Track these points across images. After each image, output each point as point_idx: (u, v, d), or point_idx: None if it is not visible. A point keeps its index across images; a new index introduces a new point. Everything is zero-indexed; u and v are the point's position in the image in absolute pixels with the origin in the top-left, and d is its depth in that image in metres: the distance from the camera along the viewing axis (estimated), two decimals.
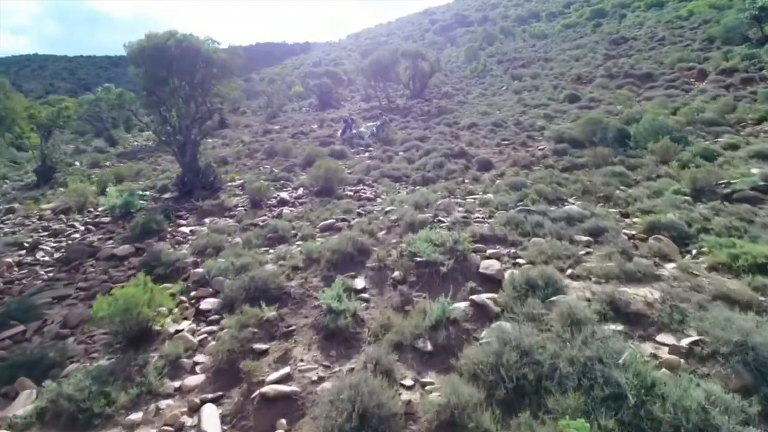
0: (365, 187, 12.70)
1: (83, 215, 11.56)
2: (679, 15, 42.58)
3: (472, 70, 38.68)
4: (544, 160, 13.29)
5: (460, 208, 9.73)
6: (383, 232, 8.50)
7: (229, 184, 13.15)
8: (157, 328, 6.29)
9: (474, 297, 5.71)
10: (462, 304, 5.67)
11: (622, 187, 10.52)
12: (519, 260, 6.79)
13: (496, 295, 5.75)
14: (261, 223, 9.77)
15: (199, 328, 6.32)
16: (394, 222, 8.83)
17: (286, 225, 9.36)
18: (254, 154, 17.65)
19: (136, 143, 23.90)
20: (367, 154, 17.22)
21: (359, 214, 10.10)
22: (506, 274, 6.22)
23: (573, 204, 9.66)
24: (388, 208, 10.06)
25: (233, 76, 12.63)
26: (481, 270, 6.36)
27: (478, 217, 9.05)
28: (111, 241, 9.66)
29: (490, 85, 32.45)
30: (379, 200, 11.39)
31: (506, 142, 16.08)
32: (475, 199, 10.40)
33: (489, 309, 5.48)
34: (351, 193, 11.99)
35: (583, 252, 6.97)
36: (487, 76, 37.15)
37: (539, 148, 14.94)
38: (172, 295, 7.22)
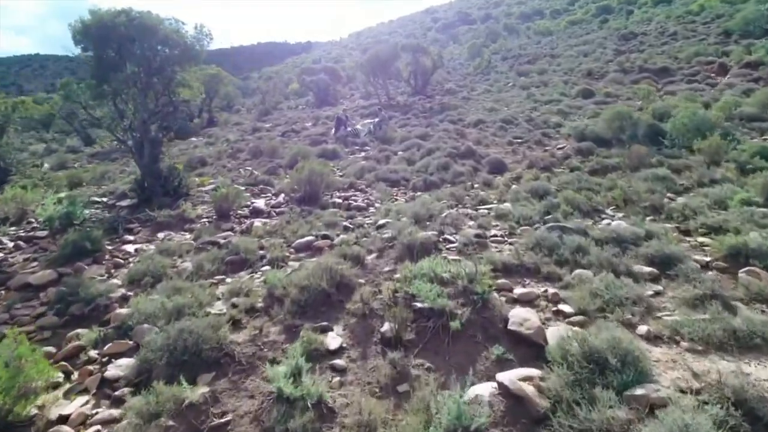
0: (357, 193, 10.57)
1: (20, 227, 9.46)
2: (690, 10, 40.53)
3: (476, 66, 36.48)
4: (568, 161, 11.12)
5: (472, 222, 7.59)
6: (373, 255, 6.37)
7: (200, 189, 11.04)
8: (34, 411, 4.18)
9: (504, 378, 3.55)
10: (485, 389, 3.53)
11: (669, 195, 8.35)
12: (563, 307, 4.63)
13: (538, 374, 3.60)
14: (222, 241, 7.61)
15: (96, 411, 4.18)
16: (387, 242, 6.69)
17: (253, 244, 7.22)
18: (238, 154, 15.53)
19: (114, 143, 21.80)
20: (362, 154, 15.08)
21: (346, 229, 7.97)
22: (550, 334, 4.07)
23: (614, 216, 7.50)
24: (381, 221, 7.95)
25: (199, 62, 10.50)
26: (511, 326, 4.20)
27: (495, 236, 6.89)
28: (36, 263, 7.55)
29: (496, 81, 30.26)
30: (372, 209, 9.25)
31: (519, 141, 13.91)
32: (489, 209, 8.24)
33: (531, 403, 3.34)
34: (339, 201, 9.84)
35: (650, 293, 4.82)
36: (491, 72, 34.97)
37: (558, 146, 12.78)
38: (80, 349, 5.13)
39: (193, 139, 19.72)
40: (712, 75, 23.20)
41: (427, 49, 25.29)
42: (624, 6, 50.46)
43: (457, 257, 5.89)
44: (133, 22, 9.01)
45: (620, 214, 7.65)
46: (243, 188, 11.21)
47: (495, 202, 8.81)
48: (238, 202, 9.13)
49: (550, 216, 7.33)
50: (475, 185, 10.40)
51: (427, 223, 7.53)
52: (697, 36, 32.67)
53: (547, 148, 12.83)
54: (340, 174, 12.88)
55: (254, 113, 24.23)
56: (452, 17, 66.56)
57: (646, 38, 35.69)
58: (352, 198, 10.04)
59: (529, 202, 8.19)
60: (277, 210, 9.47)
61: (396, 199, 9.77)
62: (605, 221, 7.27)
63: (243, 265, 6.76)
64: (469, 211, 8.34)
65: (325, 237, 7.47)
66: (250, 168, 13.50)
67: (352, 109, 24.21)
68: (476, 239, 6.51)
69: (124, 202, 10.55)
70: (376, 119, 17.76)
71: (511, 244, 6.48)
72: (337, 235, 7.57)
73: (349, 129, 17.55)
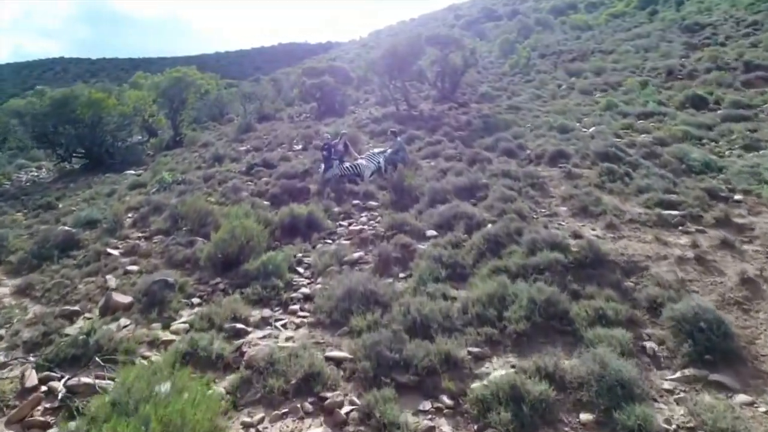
0: None
1: None
2: None
3: (512, 65, 28.48)
4: None
5: None
6: None
7: None
8: None
9: None
10: None
11: None
12: None
13: None
14: None
15: None
16: None
17: None
18: (147, 220, 8.28)
19: (22, 177, 14.35)
20: (363, 219, 7.75)
21: None
22: None
23: None
24: None
25: None
26: None
27: None
28: None
29: (543, 83, 22.37)
30: None
31: (677, 214, 6.22)
32: None
33: None
34: None
35: None
36: (531, 72, 27.01)
37: None
38: None
39: (131, 172, 12.61)
40: None
41: (460, 41, 17.53)
42: None
43: None
44: None
45: None
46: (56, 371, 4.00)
47: None
48: None
49: None
50: None
51: None
52: None
53: (760, 243, 5.19)
54: (305, 285, 5.61)
55: (233, 129, 17.01)
56: (476, 14, 58.17)
57: (720, 29, 27.46)
58: None
59: None
60: None
61: None
62: None
63: None
64: None
65: None
66: (134, 266, 6.26)
67: (363, 122, 16.76)
68: None
69: None
70: (388, 149, 10.27)
71: None
72: None
73: (346, 164, 10.14)
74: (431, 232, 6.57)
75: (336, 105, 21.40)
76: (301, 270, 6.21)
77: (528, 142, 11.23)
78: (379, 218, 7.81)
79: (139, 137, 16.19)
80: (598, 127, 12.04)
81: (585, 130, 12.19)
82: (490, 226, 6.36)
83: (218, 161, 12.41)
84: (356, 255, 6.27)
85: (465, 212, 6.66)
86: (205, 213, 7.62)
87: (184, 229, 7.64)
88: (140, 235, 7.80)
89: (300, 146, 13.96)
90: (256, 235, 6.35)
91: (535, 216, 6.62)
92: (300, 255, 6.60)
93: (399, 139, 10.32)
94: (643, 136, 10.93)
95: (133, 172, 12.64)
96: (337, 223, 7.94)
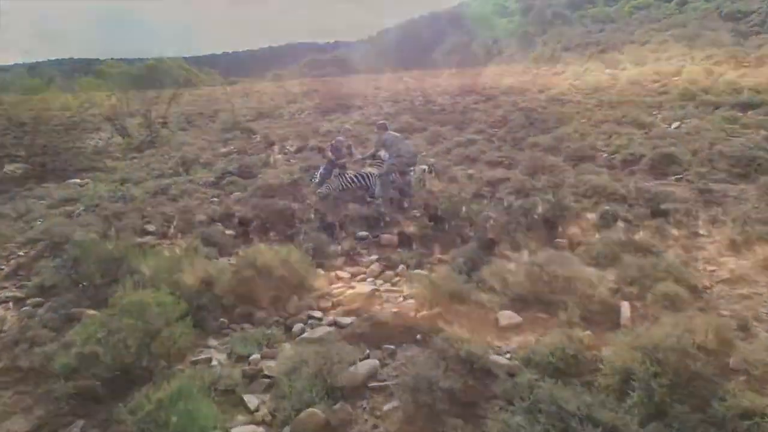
0: None
1: None
2: None
3: (536, 57, 25.03)
4: None
5: None
6: None
7: None
8: None
9: None
10: None
11: None
12: None
13: None
14: None
15: None
16: None
17: None
18: (36, 265, 5.08)
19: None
20: (371, 280, 4.46)
21: None
22: None
23: None
24: None
25: None
26: None
27: None
28: None
29: (577, 75, 18.94)
30: None
31: None
32: None
33: None
34: None
35: None
36: (557, 64, 23.56)
37: None
38: None
39: (76, 181, 9.45)
40: None
41: (490, 18, 14.08)
42: None
43: None
44: None
45: None
46: None
47: None
48: None
49: None
50: None
51: None
52: None
53: None
54: None
55: (217, 128, 13.80)
56: (488, 11, 54.53)
57: None
58: None
59: None
60: None
61: None
62: None
63: None
64: None
65: None
66: None
67: (367, 121, 13.45)
68: None
69: None
70: (377, 142, 6.92)
71: None
72: None
73: (349, 174, 6.85)
74: (508, 316, 3.28)
75: (341, 100, 18.14)
76: (251, 403, 2.94)
77: (598, 142, 7.91)
78: (401, 268, 4.55)
79: (108, 137, 13.03)
80: (687, 121, 8.67)
81: (667, 125, 8.83)
82: (626, 306, 3.07)
83: (185, 167, 9.19)
84: (364, 368, 2.99)
85: (570, 275, 3.33)
86: (112, 261, 4.37)
87: (80, 285, 4.43)
88: (12, 294, 4.59)
89: (294, 148, 10.72)
90: (166, 327, 3.08)
91: (707, 285, 3.29)
92: (256, 356, 3.34)
93: (390, 133, 6.94)
94: (764, 132, 7.56)
95: (78, 181, 9.47)
96: (333, 274, 4.69)
